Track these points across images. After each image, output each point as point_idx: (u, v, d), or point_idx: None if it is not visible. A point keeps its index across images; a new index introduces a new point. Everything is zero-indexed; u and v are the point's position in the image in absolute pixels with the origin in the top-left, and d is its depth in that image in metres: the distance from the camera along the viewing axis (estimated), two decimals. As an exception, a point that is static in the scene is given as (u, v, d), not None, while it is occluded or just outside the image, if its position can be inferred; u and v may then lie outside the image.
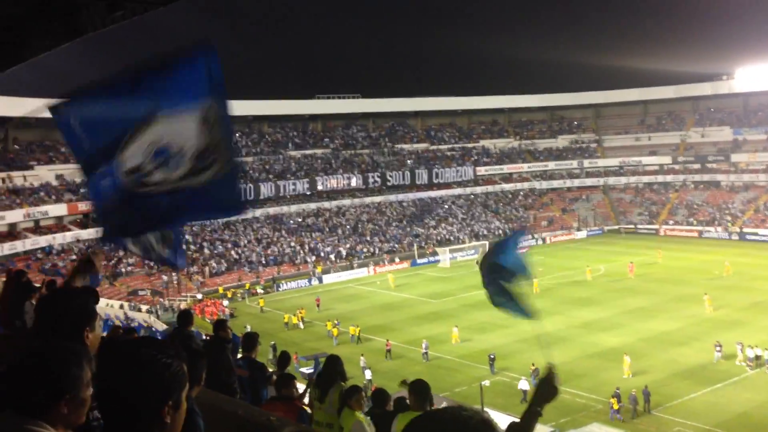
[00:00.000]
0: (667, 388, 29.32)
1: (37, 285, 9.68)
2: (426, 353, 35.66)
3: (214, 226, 64.38)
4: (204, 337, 13.46)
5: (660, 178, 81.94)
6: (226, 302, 47.09)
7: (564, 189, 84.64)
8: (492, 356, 33.03)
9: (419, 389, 6.82)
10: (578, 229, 76.10)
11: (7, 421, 1.85)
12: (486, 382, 29.10)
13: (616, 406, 27.12)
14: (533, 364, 30.59)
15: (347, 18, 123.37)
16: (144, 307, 47.85)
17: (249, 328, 36.76)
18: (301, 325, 43.83)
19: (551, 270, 54.34)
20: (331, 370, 8.30)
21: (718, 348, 32.40)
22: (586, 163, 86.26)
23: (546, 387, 3.54)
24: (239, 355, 9.60)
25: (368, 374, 31.63)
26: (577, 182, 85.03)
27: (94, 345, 2.70)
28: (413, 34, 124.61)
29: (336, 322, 41.51)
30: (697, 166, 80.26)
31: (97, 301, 3.19)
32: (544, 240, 72.26)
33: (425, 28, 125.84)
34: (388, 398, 9.55)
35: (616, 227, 76.86)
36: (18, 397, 1.92)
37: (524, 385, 29.20)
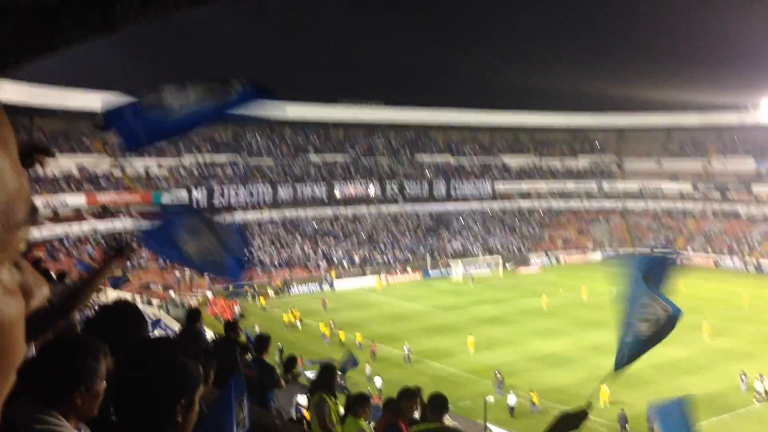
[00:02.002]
0: (674, 416, 29.01)
1: (53, 273, 9.82)
2: (408, 356, 36.60)
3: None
4: (214, 336, 13.54)
5: (679, 205, 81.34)
6: (236, 308, 47.04)
7: (581, 210, 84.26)
8: (497, 372, 32.93)
9: (437, 402, 6.86)
10: (593, 251, 75.70)
11: (22, 408, 1.87)
12: (490, 398, 29.02)
13: (536, 401, 29.49)
14: (498, 372, 32.13)
15: (375, 26, 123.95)
16: (155, 301, 48.14)
17: (257, 329, 36.90)
18: (299, 325, 44.50)
19: (563, 290, 54.24)
20: (320, 380, 8.22)
21: (743, 378, 32.15)
22: (606, 184, 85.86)
23: (569, 421, 3.43)
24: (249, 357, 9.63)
25: (378, 382, 31.68)
26: (595, 203, 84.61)
27: None
28: (441, 48, 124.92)
29: (332, 323, 42.32)
30: (717, 194, 79.64)
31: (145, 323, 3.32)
32: (558, 260, 71.96)
33: (453, 43, 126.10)
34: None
35: (632, 251, 76.28)
36: (34, 385, 1.93)
37: (512, 400, 29.72)
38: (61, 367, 2.00)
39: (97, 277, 3.29)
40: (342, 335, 40.73)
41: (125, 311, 3.02)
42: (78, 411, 2.00)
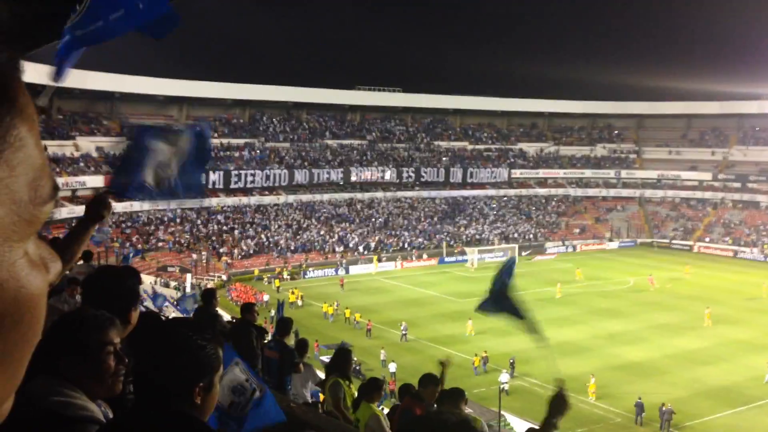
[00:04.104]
0: (689, 406, 28.91)
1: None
2: (404, 335, 38.08)
3: (246, 208, 64.97)
4: (231, 319, 13.57)
5: (698, 194, 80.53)
6: (266, 297, 47.08)
7: (599, 198, 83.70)
8: (512, 360, 32.88)
9: (452, 392, 7.04)
10: (610, 240, 75.24)
11: (39, 382, 1.89)
12: (505, 386, 29.03)
13: (477, 364, 32.27)
14: (485, 351, 33.49)
15: (394, 14, 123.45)
16: (172, 284, 48.50)
17: (272, 313, 37.24)
18: (299, 303, 45.94)
19: (581, 278, 54.06)
20: (335, 364, 8.28)
21: None
22: (624, 173, 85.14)
23: (558, 401, 3.70)
24: (268, 339, 9.64)
25: (392, 367, 31.80)
26: (613, 192, 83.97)
27: (133, 323, 2.80)
28: (460, 36, 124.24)
29: (336, 303, 44.17)
30: (737, 184, 78.73)
31: (140, 282, 3.26)
32: (575, 248, 71.61)
33: (472, 31, 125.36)
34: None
35: (650, 241, 75.81)
36: (47, 361, 1.95)
37: (504, 377, 30.42)
38: (66, 341, 2.03)
39: (77, 241, 3.10)
40: (348, 312, 42.50)
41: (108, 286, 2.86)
42: (92, 385, 2.02)
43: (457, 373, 31.26)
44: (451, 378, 7.99)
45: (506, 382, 30.10)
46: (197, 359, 1.84)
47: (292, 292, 47.17)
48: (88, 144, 60.13)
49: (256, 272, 55.18)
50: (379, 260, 61.39)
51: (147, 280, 47.04)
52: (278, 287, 50.84)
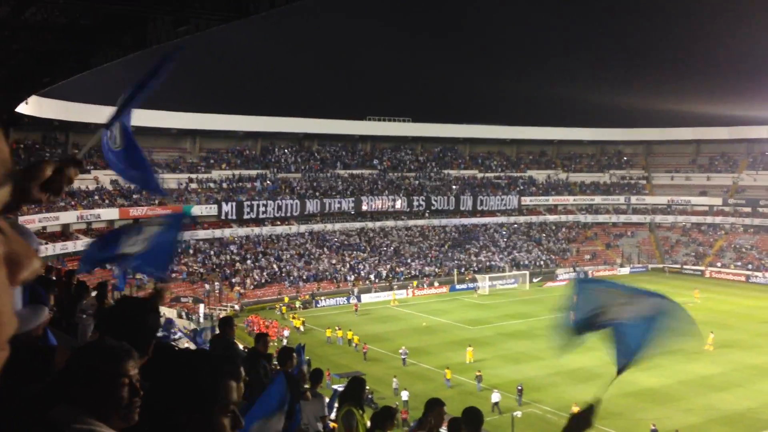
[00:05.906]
0: (703, 433, 28.79)
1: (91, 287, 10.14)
2: (404, 359, 38.92)
3: (258, 239, 65.43)
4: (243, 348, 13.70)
5: (709, 219, 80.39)
6: (286, 332, 46.85)
7: (609, 224, 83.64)
8: (520, 387, 32.82)
9: (471, 417, 6.64)
10: (621, 266, 75.04)
11: (61, 412, 1.91)
12: (517, 413, 29.00)
13: (449, 377, 33.54)
14: (479, 371, 34.33)
15: (401, 44, 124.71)
16: (185, 314, 48.78)
17: (285, 342, 37.43)
18: (302, 329, 47.11)
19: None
20: (349, 393, 8.24)
21: None
22: (634, 199, 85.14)
23: (581, 418, 3.43)
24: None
25: (405, 395, 31.82)
26: (623, 218, 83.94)
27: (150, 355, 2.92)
28: (467, 65, 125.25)
29: (337, 327, 45.26)
30: (748, 209, 78.61)
31: (159, 314, 3.49)
32: (586, 274, 71.40)
33: (479, 60, 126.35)
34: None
35: (661, 266, 75.57)
36: (72, 391, 1.94)
37: (496, 397, 31.35)
38: (84, 371, 2.01)
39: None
40: (350, 334, 43.68)
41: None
42: (109, 415, 2.02)
43: (467, 401, 31.24)
44: (460, 405, 8.16)
45: (497, 402, 31.03)
46: (186, 391, 1.79)
47: (294, 317, 48.61)
48: (103, 177, 60.92)
49: (287, 299, 55.47)
50: (391, 289, 61.51)
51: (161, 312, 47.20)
52: (284, 313, 51.60)
